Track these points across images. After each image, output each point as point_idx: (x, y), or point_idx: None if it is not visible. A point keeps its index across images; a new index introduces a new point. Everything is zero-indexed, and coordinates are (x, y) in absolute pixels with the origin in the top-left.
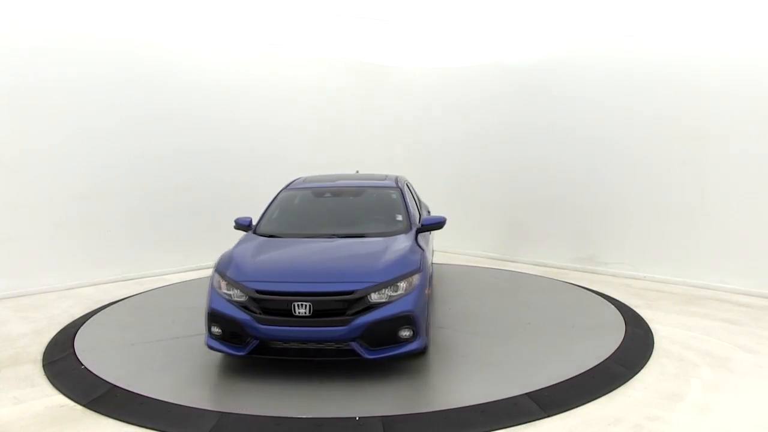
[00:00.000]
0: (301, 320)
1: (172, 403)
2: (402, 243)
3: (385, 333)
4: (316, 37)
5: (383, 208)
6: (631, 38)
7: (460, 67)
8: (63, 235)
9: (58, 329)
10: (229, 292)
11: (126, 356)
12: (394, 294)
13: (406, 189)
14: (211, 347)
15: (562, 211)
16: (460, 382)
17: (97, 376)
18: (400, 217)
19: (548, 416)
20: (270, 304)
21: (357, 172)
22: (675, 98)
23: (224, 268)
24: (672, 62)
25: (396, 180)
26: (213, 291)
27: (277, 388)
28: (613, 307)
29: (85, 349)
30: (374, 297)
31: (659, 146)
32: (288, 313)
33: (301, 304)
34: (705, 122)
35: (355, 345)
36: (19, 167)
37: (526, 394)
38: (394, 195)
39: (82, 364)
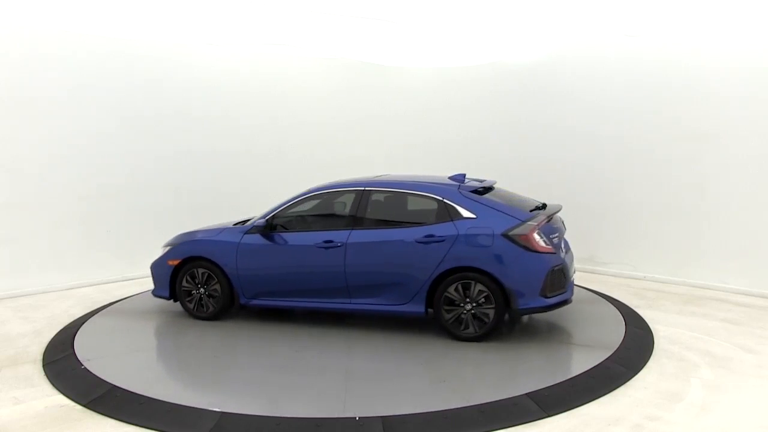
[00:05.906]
0: None
1: (172, 403)
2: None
3: None
4: (316, 37)
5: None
6: (631, 38)
7: (460, 67)
8: (63, 235)
9: (58, 329)
10: None
11: (126, 356)
12: None
13: (308, 197)
14: None
15: (562, 211)
16: (459, 382)
17: (97, 376)
18: (256, 216)
19: (548, 416)
20: None
21: (464, 176)
22: (675, 98)
23: None
24: (672, 62)
25: (322, 187)
26: None
27: (278, 388)
28: (613, 307)
29: (85, 349)
30: None
31: (659, 146)
32: None
33: None
34: (705, 122)
35: None
36: (19, 167)
37: (526, 394)
38: (292, 197)
39: (82, 364)
